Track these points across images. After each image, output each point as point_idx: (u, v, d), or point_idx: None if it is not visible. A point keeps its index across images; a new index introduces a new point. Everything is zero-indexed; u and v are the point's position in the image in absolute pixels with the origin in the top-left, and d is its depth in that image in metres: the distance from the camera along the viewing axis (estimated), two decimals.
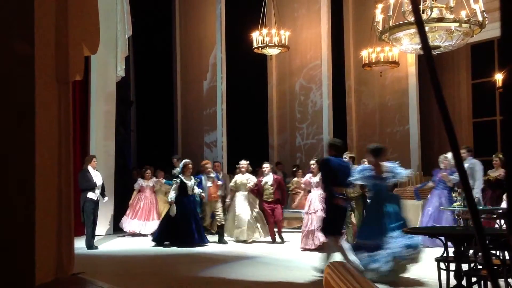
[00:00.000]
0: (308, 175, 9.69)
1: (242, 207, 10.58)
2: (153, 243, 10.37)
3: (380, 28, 7.80)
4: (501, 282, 4.87)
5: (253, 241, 10.43)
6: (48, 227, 2.35)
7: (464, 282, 5.29)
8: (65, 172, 2.47)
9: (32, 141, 2.12)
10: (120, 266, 8.33)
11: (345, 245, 6.99)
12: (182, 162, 10.78)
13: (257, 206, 10.75)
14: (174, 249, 9.87)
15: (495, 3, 9.04)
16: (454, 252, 5.37)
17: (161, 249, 9.96)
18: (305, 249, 9.19)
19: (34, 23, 2.08)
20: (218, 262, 8.16)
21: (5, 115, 2.04)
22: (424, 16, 6.94)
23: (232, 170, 12.12)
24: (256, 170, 11.33)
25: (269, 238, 10.50)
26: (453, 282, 5.44)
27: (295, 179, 11.96)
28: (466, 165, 9.42)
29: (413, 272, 6.67)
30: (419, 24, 1.25)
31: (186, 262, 8.52)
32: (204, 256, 9.01)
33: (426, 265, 7.11)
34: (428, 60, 1.20)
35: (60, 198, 2.47)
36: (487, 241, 4.49)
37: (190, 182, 10.45)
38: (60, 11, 2.26)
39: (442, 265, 5.60)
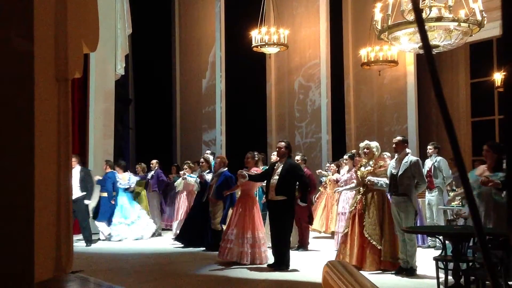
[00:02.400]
0: (343, 171, 9.34)
1: None
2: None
3: (379, 27, 7.80)
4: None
5: None
6: (47, 225, 2.35)
7: (462, 281, 5.30)
8: (64, 169, 2.47)
9: (31, 139, 2.12)
10: (119, 264, 8.33)
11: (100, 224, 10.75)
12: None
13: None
14: (173, 248, 9.87)
15: (494, 3, 9.06)
16: (452, 251, 5.38)
17: (159, 247, 9.96)
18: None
19: (34, 19, 2.08)
20: (218, 260, 8.14)
21: (4, 112, 2.04)
22: (423, 15, 6.95)
23: (231, 168, 12.10)
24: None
25: None
26: (451, 281, 5.44)
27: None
28: (430, 162, 9.27)
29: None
30: (419, 22, 1.24)
31: (185, 260, 8.52)
32: (203, 255, 9.00)
33: (425, 264, 7.14)
34: (428, 57, 1.20)
35: (59, 196, 2.47)
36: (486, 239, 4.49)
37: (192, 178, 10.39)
38: (59, 6, 2.25)
39: (440, 264, 5.61)
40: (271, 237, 7.67)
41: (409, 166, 6.80)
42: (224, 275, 7.15)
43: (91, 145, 12.41)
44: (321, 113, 14.02)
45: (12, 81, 2.07)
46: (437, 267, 5.62)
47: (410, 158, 6.94)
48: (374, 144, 7.50)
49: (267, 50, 11.66)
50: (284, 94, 15.18)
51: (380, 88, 13.93)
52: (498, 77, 11.66)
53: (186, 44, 16.00)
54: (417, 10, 1.23)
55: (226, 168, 9.47)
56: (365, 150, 7.44)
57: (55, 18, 2.29)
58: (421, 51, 8.20)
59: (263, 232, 7.99)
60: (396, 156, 7.11)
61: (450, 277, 5.48)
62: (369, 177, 7.21)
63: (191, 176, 10.72)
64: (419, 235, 9.25)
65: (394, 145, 7.09)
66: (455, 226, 5.93)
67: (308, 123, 14.43)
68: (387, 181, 7.03)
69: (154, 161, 12.04)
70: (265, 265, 7.59)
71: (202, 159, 10.51)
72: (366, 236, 7.10)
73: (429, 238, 9.08)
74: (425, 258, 7.42)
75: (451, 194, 8.72)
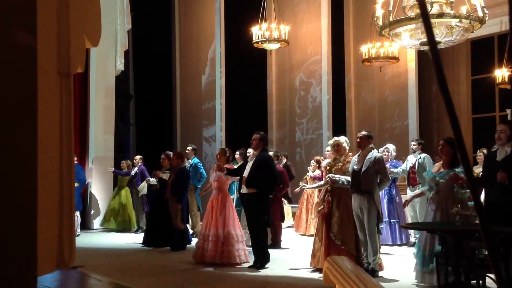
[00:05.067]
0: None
1: None
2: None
3: (380, 23, 7.80)
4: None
5: None
6: (49, 220, 2.36)
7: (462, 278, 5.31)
8: (67, 164, 2.47)
9: (34, 134, 2.12)
10: (119, 260, 8.35)
11: None
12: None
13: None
14: None
15: None
16: (453, 248, 5.38)
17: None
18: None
19: (36, 13, 2.08)
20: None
21: (7, 107, 2.04)
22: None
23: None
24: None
25: None
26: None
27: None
28: (414, 158, 8.90)
29: (411, 268, 6.67)
30: (425, 16, 1.24)
31: (185, 257, 8.53)
32: None
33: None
34: (433, 54, 1.20)
35: (62, 191, 2.47)
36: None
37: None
38: (62, 1, 2.25)
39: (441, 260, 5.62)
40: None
41: (373, 162, 6.42)
42: (223, 273, 7.16)
43: (92, 141, 12.42)
44: (322, 110, 14.01)
45: (15, 76, 2.07)
46: (438, 264, 5.62)
47: (374, 154, 6.54)
48: (343, 139, 7.02)
49: (268, 46, 11.63)
50: (285, 91, 15.16)
51: (381, 85, 13.92)
52: (499, 73, 11.64)
53: (186, 39, 15.98)
54: (422, 5, 1.23)
55: (185, 164, 9.47)
56: (335, 147, 6.98)
57: (57, 13, 2.29)
58: (422, 48, 8.20)
59: (239, 228, 7.75)
60: (359, 152, 6.68)
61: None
62: (330, 175, 6.79)
63: (153, 179, 10.35)
64: (402, 234, 9.14)
65: (358, 140, 6.69)
66: (456, 222, 5.93)
67: (309, 119, 14.42)
68: (350, 179, 6.60)
69: (137, 157, 11.81)
70: (243, 265, 7.44)
71: (162, 155, 9.98)
72: (331, 236, 6.64)
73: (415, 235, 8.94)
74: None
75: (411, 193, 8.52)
